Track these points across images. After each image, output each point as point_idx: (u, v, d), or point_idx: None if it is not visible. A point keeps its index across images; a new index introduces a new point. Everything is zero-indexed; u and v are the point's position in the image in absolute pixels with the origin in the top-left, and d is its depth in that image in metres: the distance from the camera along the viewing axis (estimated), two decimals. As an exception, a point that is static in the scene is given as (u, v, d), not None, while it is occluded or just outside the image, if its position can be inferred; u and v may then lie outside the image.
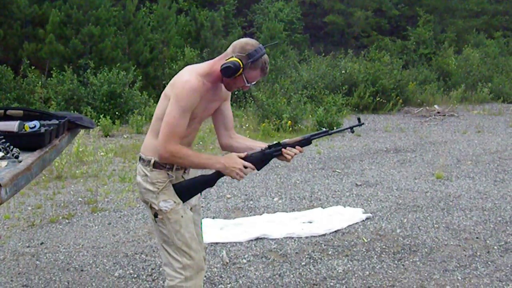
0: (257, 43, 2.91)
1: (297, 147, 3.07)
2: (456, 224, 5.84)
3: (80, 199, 6.97)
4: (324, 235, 5.46)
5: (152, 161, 2.92)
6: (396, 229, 5.66)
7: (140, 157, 3.00)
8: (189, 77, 2.81)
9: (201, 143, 10.89)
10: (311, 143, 3.14)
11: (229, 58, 2.84)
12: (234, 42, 2.92)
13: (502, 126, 13.98)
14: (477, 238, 5.40)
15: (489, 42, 28.74)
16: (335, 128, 12.47)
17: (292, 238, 5.38)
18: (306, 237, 5.40)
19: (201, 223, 3.29)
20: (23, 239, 5.48)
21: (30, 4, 17.40)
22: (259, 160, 3.02)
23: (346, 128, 3.24)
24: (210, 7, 26.02)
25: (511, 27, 33.79)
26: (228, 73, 2.81)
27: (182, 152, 2.82)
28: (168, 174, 2.94)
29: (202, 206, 6.39)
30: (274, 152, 3.04)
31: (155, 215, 2.95)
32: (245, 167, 2.94)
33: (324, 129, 3.22)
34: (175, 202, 2.93)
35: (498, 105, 19.02)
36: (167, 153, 2.79)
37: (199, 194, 3.14)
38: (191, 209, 3.10)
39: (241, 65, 2.81)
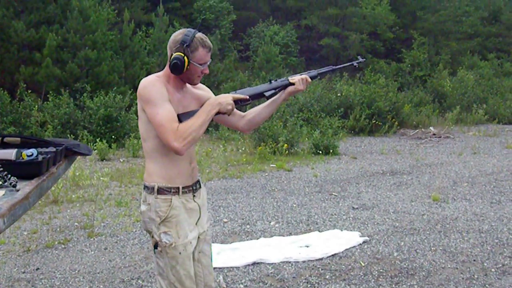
0: (185, 29, 2.91)
1: (303, 74, 3.15)
2: (453, 246, 5.84)
3: (76, 223, 6.95)
4: (321, 259, 5.45)
5: (156, 188, 2.88)
6: (393, 252, 5.65)
7: (144, 185, 2.95)
8: (143, 79, 2.86)
9: (197, 167, 10.88)
10: (317, 76, 3.22)
11: (171, 58, 2.84)
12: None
13: (498, 148, 14.02)
14: (474, 260, 5.40)
15: (483, 63, 28.99)
16: (331, 150, 12.55)
17: (289, 262, 5.36)
18: (303, 262, 5.38)
19: (211, 252, 3.23)
20: (18, 264, 5.45)
21: (27, 28, 17.46)
22: (266, 89, 3.09)
23: (350, 64, 3.37)
24: (206, 31, 26.16)
25: (504, 48, 34.12)
26: (178, 68, 2.81)
27: (189, 129, 2.74)
28: (171, 200, 2.90)
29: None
30: (282, 81, 3.10)
31: (155, 246, 2.92)
32: (236, 99, 2.97)
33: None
34: (174, 236, 2.87)
35: (494, 126, 19.09)
36: (180, 144, 2.71)
37: (208, 217, 3.12)
38: (199, 237, 3.04)
39: (183, 55, 2.81)
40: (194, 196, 3.02)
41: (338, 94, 17.70)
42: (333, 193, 8.60)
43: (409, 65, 27.01)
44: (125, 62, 18.71)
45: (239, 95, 3.00)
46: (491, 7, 37.69)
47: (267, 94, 3.08)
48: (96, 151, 12.20)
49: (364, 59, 3.36)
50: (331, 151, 12.69)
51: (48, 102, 15.10)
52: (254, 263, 5.32)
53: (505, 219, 6.99)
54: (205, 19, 28.01)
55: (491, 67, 28.50)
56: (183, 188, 2.94)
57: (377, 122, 16.86)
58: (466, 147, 14.18)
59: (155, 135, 2.83)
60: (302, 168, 10.96)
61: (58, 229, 6.69)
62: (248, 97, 3.03)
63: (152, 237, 2.93)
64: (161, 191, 2.88)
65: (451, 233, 6.36)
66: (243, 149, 13.10)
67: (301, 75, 3.15)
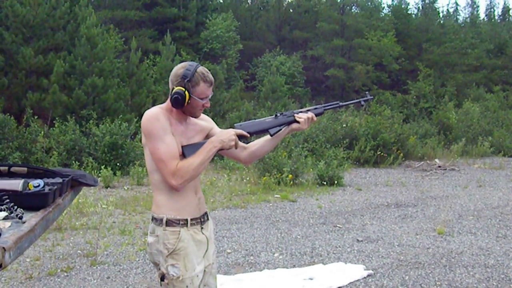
0: (187, 63, 2.94)
1: (309, 112, 3.12)
2: (459, 281, 5.78)
3: (79, 251, 6.92)
4: (325, 292, 5.41)
5: (165, 219, 2.86)
6: (397, 286, 5.60)
7: (152, 217, 2.93)
8: (147, 112, 2.86)
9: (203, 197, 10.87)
10: (323, 113, 3.18)
11: (172, 92, 2.86)
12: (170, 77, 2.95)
13: (503, 181, 13.97)
14: (480, 297, 5.34)
15: (489, 96, 29.09)
16: (336, 182, 12.54)
17: (293, 295, 5.32)
18: (307, 295, 5.34)
19: (216, 285, 3.18)
20: (20, 293, 5.42)
21: (35, 54, 17.64)
22: (271, 125, 3.06)
23: (357, 101, 3.33)
24: (212, 60, 26.44)
25: (509, 81, 34.28)
26: (179, 102, 2.82)
27: (187, 168, 2.75)
28: (179, 232, 2.87)
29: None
30: (288, 117, 3.08)
31: (162, 278, 2.88)
32: (239, 135, 2.96)
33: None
34: (181, 269, 2.85)
35: (499, 159, 19.06)
36: (177, 182, 2.74)
37: (214, 250, 3.09)
38: (204, 270, 3.00)
39: (184, 89, 2.82)
40: (202, 228, 3.00)
41: (343, 125, 17.74)
42: (338, 225, 8.56)
43: (415, 97, 27.10)
44: (131, 90, 18.85)
45: (242, 131, 2.99)
46: (496, 39, 37.99)
47: (272, 131, 3.08)
48: (100, 178, 12.21)
49: (372, 98, 3.35)
50: (336, 182, 12.66)
51: (54, 128, 15.18)
52: (257, 296, 5.28)
53: (511, 253, 6.92)
54: (211, 49, 28.29)
55: (496, 100, 28.60)
56: (191, 220, 2.92)
57: (382, 153, 16.85)
58: (471, 179, 14.13)
59: None
60: (307, 199, 10.93)
61: (61, 257, 6.66)
62: (249, 135, 3.03)
63: (159, 269, 2.89)
64: (169, 223, 2.86)
65: (456, 267, 6.30)
66: (248, 179, 13.08)
67: (307, 111, 3.13)
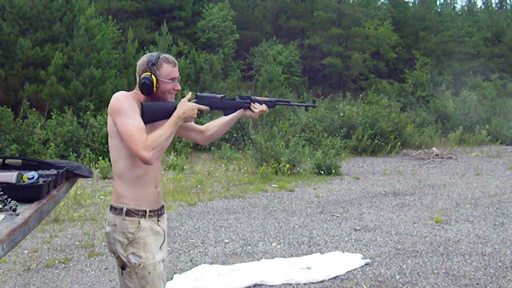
0: (149, 53, 3.00)
1: (264, 105, 3.24)
2: (456, 269, 5.79)
3: (77, 242, 6.92)
4: (322, 281, 5.41)
5: (125, 209, 2.87)
6: (395, 275, 5.61)
7: (111, 206, 2.94)
8: (115, 93, 2.86)
9: (199, 186, 10.88)
10: (275, 107, 3.34)
11: (139, 80, 2.89)
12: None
13: (501, 169, 13.98)
14: (477, 284, 5.35)
15: (486, 84, 29.06)
16: (333, 171, 12.55)
17: (291, 284, 5.32)
18: (305, 284, 5.34)
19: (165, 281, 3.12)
20: (18, 284, 5.41)
21: (32, 46, 17.56)
22: (229, 106, 3.20)
23: (303, 105, 3.52)
24: (209, 50, 26.36)
25: (507, 69, 34.25)
26: (147, 87, 2.85)
27: (158, 139, 2.74)
28: (139, 222, 2.88)
29: (199, 251, 6.36)
30: (245, 103, 3.21)
31: (123, 267, 2.89)
32: (199, 109, 3.00)
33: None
34: (143, 256, 2.86)
35: (496, 147, 19.08)
36: (149, 153, 2.71)
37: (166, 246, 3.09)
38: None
39: (150, 73, 2.86)
40: (158, 220, 3.01)
41: (341, 114, 17.73)
42: (335, 214, 8.56)
43: (412, 85, 27.07)
44: (128, 81, 18.78)
45: (202, 106, 3.02)
46: (493, 27, 37.94)
47: (226, 112, 3.23)
48: (98, 169, 12.20)
49: (316, 106, 3.50)
50: (333, 171, 12.66)
51: (51, 120, 15.14)
52: (255, 285, 5.28)
53: (508, 241, 6.93)
54: (208, 39, 28.21)
55: (494, 88, 28.58)
56: (149, 211, 2.94)
57: (379, 142, 16.86)
58: (469, 168, 14.15)
59: (125, 155, 2.83)
60: (304, 189, 10.94)
61: (58, 248, 6.65)
62: (209, 109, 3.09)
63: (118, 258, 2.90)
64: (129, 213, 2.87)
65: (453, 255, 6.31)
66: (245, 168, 13.08)
67: (262, 104, 3.24)
